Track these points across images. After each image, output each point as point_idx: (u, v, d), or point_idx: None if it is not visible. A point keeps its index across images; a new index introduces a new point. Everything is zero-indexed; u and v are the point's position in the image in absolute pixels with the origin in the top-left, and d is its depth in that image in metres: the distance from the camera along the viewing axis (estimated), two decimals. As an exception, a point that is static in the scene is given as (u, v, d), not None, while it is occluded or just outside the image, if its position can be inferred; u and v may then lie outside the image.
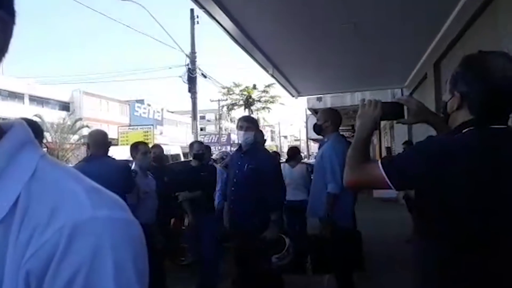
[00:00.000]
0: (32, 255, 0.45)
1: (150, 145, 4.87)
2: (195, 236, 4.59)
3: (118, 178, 3.18)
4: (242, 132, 3.60)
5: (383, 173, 1.31)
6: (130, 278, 0.47)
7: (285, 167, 5.86)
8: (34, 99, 30.46)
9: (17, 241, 0.46)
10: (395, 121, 1.87)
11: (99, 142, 3.50)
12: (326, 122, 3.68)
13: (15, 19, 0.53)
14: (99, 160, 3.32)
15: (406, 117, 1.78)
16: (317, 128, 3.74)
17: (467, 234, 1.23)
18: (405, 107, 1.74)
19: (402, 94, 10.17)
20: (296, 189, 5.59)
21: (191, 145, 5.00)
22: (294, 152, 6.34)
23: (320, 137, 3.96)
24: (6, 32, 0.51)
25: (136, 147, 4.11)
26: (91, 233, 0.46)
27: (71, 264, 0.44)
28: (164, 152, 5.70)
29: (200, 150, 4.69)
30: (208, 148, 5.66)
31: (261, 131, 4.68)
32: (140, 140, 5.64)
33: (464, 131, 1.31)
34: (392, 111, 1.78)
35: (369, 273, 5.19)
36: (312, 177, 4.20)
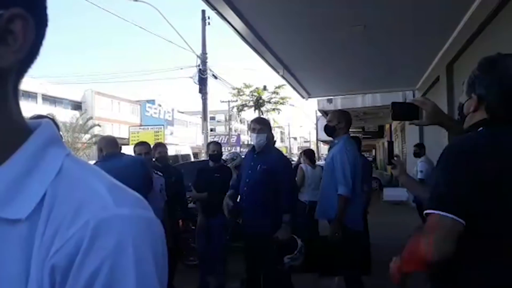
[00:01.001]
0: (57, 250, 0.46)
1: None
2: (204, 236, 4.60)
3: (138, 173, 3.26)
4: (255, 135, 3.60)
5: (448, 215, 1.19)
6: (151, 275, 0.48)
7: (307, 168, 5.89)
8: (47, 99, 30.88)
9: (43, 237, 0.47)
10: (408, 122, 1.85)
11: (112, 143, 3.57)
12: (340, 124, 3.66)
13: (45, 19, 0.53)
14: (117, 157, 3.37)
15: (420, 118, 1.76)
16: (329, 130, 3.71)
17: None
18: (420, 109, 1.72)
19: (413, 97, 10.08)
20: (316, 189, 5.62)
21: (208, 145, 5.07)
22: (312, 153, 6.49)
23: (330, 138, 3.94)
24: (27, 31, 0.50)
25: (133, 148, 4.26)
26: (114, 230, 0.47)
27: (94, 260, 0.45)
28: (175, 153, 5.72)
29: (215, 151, 4.72)
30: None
31: (271, 133, 4.67)
32: (150, 140, 5.68)
33: (479, 129, 1.29)
34: (406, 112, 1.77)
35: (379, 276, 5.15)
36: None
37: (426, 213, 1.24)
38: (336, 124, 3.66)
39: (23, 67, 0.53)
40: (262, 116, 33.64)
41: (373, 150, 33.02)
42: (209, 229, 4.55)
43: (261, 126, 3.63)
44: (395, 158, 1.94)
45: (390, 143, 2.35)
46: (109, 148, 3.51)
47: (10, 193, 0.49)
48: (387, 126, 19.65)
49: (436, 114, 1.67)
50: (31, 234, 0.48)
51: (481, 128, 1.30)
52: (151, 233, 0.50)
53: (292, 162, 6.84)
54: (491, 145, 1.25)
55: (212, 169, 4.72)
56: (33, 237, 0.48)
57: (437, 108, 1.68)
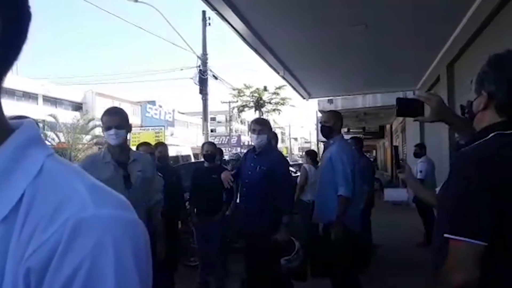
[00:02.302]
0: (33, 252, 0.45)
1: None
2: (203, 237, 4.60)
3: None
4: (255, 135, 3.59)
5: (465, 240, 1.14)
6: (131, 276, 0.47)
7: (311, 169, 5.91)
8: (48, 100, 30.90)
9: (19, 238, 0.46)
10: (412, 119, 1.83)
11: None
12: (336, 124, 3.70)
13: (21, 14, 0.51)
14: None
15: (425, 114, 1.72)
16: (326, 130, 3.72)
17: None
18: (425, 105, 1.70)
19: (414, 97, 10.06)
20: None
21: (202, 146, 5.03)
22: (314, 154, 6.56)
23: (331, 139, 3.95)
24: (7, 25, 0.49)
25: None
26: (92, 231, 0.46)
27: (72, 262, 0.44)
28: (175, 153, 5.72)
29: (208, 151, 4.69)
30: (220, 150, 5.67)
31: (274, 133, 4.67)
32: (151, 141, 5.68)
33: (490, 135, 1.26)
34: (411, 109, 1.74)
35: (380, 275, 5.15)
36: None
37: (445, 237, 1.19)
38: (332, 124, 3.68)
39: (2, 66, 0.51)
40: (262, 116, 33.63)
41: (374, 151, 32.99)
42: (207, 230, 4.55)
43: (262, 127, 3.63)
44: (401, 162, 1.94)
45: (396, 148, 2.34)
46: None
47: None
48: (388, 126, 19.64)
49: (441, 110, 1.63)
50: (7, 235, 0.46)
51: (492, 134, 1.26)
52: (132, 235, 0.49)
53: (298, 163, 6.86)
54: (504, 154, 1.21)
55: (208, 169, 4.69)
56: (9, 238, 0.46)
57: (443, 104, 1.65)
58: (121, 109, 2.99)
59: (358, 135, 13.83)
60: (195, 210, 4.72)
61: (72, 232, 0.45)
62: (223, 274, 4.59)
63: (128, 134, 2.88)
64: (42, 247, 0.45)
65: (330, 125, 3.68)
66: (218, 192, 4.50)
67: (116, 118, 2.69)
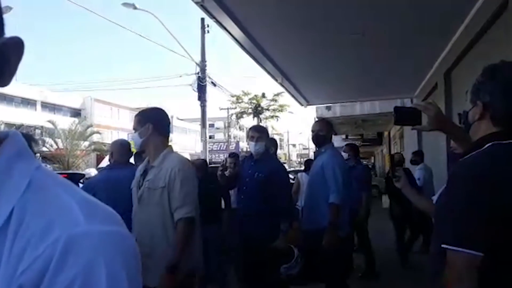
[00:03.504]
0: (25, 269, 0.45)
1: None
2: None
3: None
4: (253, 143, 3.61)
5: (465, 251, 1.15)
6: None
7: (302, 176, 5.95)
8: (46, 106, 30.88)
9: (10, 255, 0.46)
10: (410, 128, 1.84)
11: (124, 148, 3.55)
12: (328, 133, 3.81)
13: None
14: (122, 167, 3.35)
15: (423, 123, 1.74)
16: (319, 139, 3.80)
17: None
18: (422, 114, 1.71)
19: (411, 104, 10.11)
20: None
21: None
22: (310, 162, 6.60)
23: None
24: None
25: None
26: (84, 248, 0.46)
27: (64, 279, 0.44)
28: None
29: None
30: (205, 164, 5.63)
31: (273, 140, 4.68)
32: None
33: (487, 145, 1.27)
34: (409, 117, 1.75)
35: (378, 282, 5.13)
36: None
37: (443, 248, 1.20)
38: (325, 133, 3.78)
39: None
40: (260, 123, 33.66)
41: (372, 158, 33.01)
42: (205, 237, 4.53)
43: (260, 134, 3.64)
44: (398, 171, 1.94)
45: (392, 156, 2.36)
46: (119, 154, 3.49)
47: None
48: (386, 133, 19.67)
49: (439, 120, 1.64)
50: None
51: (488, 144, 1.27)
52: (123, 249, 0.49)
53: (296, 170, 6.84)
54: (500, 164, 1.22)
55: (206, 177, 4.67)
56: (0, 254, 0.46)
57: (441, 114, 1.66)
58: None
59: (354, 142, 13.85)
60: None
61: (63, 249, 0.45)
62: (223, 283, 4.57)
63: (131, 139, 2.89)
64: (34, 264, 0.44)
65: (324, 133, 3.78)
66: (217, 199, 4.49)
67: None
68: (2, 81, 0.51)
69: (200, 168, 4.66)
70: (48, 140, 23.09)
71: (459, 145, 1.68)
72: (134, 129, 2.59)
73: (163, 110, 2.72)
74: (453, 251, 1.17)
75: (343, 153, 5.99)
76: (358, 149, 6.15)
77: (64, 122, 25.18)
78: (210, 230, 4.48)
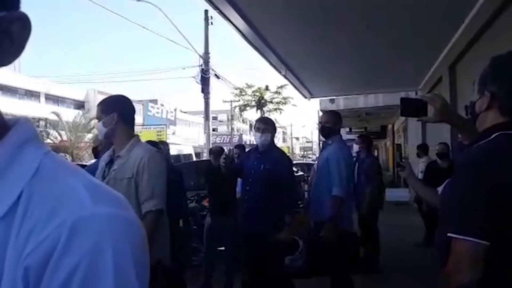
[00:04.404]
0: (31, 251, 0.45)
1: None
2: (213, 236, 4.61)
3: None
4: (259, 134, 3.61)
5: (470, 239, 1.14)
6: (130, 275, 0.47)
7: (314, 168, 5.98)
8: (50, 98, 30.96)
9: (17, 237, 0.46)
10: (416, 119, 1.83)
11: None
12: (336, 125, 3.76)
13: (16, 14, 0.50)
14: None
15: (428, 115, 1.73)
16: (326, 131, 3.79)
17: None
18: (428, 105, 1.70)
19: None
20: None
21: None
22: None
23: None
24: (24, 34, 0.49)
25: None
26: (90, 230, 0.46)
27: (70, 261, 0.44)
28: (177, 152, 5.73)
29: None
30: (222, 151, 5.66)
31: None
32: (153, 139, 5.68)
33: (493, 135, 1.26)
34: (414, 109, 1.74)
35: (380, 276, 5.15)
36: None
37: (448, 236, 1.19)
38: (333, 125, 3.75)
39: None
40: (264, 116, 33.58)
41: (376, 151, 32.95)
42: (220, 229, 4.54)
43: (266, 126, 3.64)
44: (403, 160, 1.94)
45: (399, 146, 2.35)
46: (104, 144, 3.49)
47: None
48: (390, 126, 19.61)
49: (445, 111, 1.63)
50: (5, 234, 0.46)
51: (495, 134, 1.26)
52: (130, 233, 0.49)
53: (300, 162, 6.80)
54: (507, 154, 1.22)
55: (218, 168, 4.68)
56: (7, 236, 0.46)
57: (447, 105, 1.65)
58: None
59: (358, 135, 13.81)
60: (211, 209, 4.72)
61: (70, 231, 0.45)
62: (231, 276, 4.58)
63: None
64: (40, 246, 0.45)
65: (330, 125, 3.75)
66: (232, 192, 4.49)
67: None
68: (3, 58, 0.50)
69: (218, 156, 4.69)
70: (52, 132, 23.18)
71: (465, 136, 1.68)
72: (97, 118, 2.48)
73: (128, 98, 2.60)
74: (458, 240, 1.16)
75: (354, 145, 5.96)
76: (371, 141, 6.06)
77: (68, 114, 25.26)
78: (225, 220, 4.46)
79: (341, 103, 13.39)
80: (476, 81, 1.36)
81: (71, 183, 0.50)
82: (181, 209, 4.79)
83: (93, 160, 3.85)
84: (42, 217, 0.46)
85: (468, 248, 1.15)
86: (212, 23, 15.57)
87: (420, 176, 6.31)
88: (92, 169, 3.24)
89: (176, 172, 4.78)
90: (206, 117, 15.91)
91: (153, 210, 2.33)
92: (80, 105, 32.88)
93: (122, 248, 0.47)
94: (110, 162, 2.48)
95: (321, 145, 4.97)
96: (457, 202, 1.23)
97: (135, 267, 0.48)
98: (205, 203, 5.37)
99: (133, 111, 2.60)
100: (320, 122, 3.84)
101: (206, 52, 15.30)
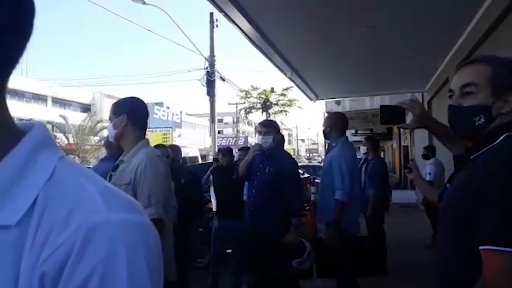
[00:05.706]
0: (47, 257, 0.45)
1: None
2: (221, 239, 4.60)
3: None
4: (261, 137, 3.62)
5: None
6: (144, 281, 0.47)
7: None
8: (56, 101, 31.17)
9: (33, 243, 0.46)
10: (395, 126, 1.82)
11: (115, 143, 3.55)
12: (331, 127, 3.75)
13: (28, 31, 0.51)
14: (110, 160, 3.36)
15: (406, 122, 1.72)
16: (328, 134, 3.82)
17: None
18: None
19: (422, 99, 10.00)
20: None
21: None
22: None
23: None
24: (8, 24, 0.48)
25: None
26: (105, 236, 0.46)
27: (85, 267, 0.45)
28: (183, 155, 5.74)
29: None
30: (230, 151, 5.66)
31: (281, 135, 4.66)
32: (159, 142, 5.70)
33: (501, 138, 1.21)
34: (393, 115, 1.73)
35: (388, 278, 5.11)
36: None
37: (483, 249, 1.10)
38: (334, 127, 3.74)
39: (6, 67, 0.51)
40: (269, 118, 33.58)
41: (382, 152, 32.83)
42: (227, 231, 4.53)
43: (267, 129, 3.64)
44: (410, 162, 1.93)
45: (405, 148, 2.34)
46: (111, 147, 3.50)
47: (0, 198, 0.47)
48: (396, 128, 19.52)
49: (424, 117, 1.64)
50: (21, 239, 0.46)
51: (502, 136, 1.21)
52: (144, 238, 0.49)
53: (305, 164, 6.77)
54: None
55: (226, 169, 4.69)
56: (23, 242, 0.46)
57: (425, 111, 1.66)
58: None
59: (364, 137, 13.75)
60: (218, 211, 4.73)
61: (85, 237, 0.45)
62: (238, 278, 4.57)
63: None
64: (56, 252, 0.45)
65: (331, 128, 3.75)
66: (239, 194, 4.50)
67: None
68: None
69: (227, 155, 4.71)
70: (59, 135, 23.35)
71: (444, 143, 1.66)
72: (109, 119, 2.40)
73: (141, 100, 2.48)
74: (496, 251, 1.07)
75: (362, 147, 5.90)
76: (378, 143, 6.02)
77: (75, 117, 25.43)
78: (232, 222, 4.44)
79: (347, 104, 13.36)
80: (485, 82, 1.27)
81: (86, 188, 0.50)
82: (195, 211, 4.77)
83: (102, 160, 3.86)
84: (58, 222, 0.47)
85: (509, 260, 1.06)
86: (217, 26, 15.60)
87: (427, 177, 6.27)
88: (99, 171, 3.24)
89: (192, 174, 4.83)
90: (212, 120, 15.93)
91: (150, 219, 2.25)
92: (86, 108, 33.09)
93: (136, 253, 0.47)
94: (117, 167, 2.41)
95: (326, 147, 4.96)
96: (493, 212, 1.11)
97: (149, 272, 0.48)
98: (209, 206, 5.37)
99: (145, 114, 2.50)
100: (323, 126, 3.86)
101: (212, 54, 15.33)
